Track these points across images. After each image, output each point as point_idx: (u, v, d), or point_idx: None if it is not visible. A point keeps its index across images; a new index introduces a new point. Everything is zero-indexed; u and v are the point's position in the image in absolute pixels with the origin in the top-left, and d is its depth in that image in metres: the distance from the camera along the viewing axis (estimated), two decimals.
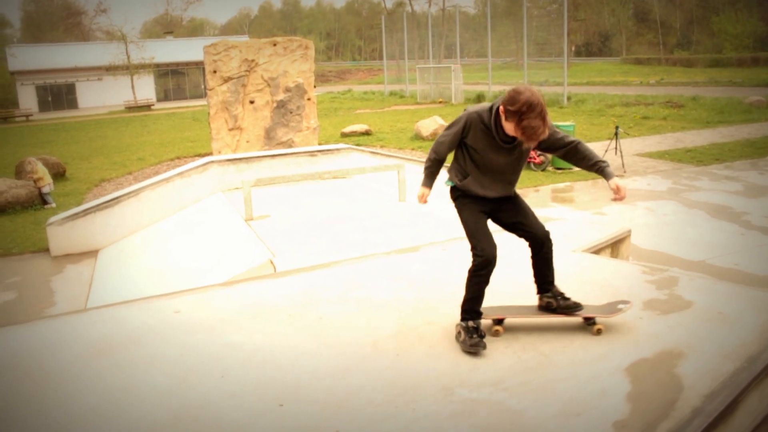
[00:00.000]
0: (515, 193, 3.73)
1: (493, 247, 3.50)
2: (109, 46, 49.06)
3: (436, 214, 7.41)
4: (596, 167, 3.52)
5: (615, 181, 3.49)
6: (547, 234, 3.66)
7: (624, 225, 6.36)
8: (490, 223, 3.66)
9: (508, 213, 3.67)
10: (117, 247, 8.33)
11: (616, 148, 13.55)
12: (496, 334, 3.67)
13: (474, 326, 3.54)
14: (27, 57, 50.02)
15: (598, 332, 3.61)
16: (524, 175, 12.65)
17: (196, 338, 3.85)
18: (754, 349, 3.30)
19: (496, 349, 3.50)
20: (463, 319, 3.59)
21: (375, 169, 8.63)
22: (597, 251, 5.50)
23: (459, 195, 3.67)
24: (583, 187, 11.51)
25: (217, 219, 8.00)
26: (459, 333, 3.58)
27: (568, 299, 3.71)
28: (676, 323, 3.71)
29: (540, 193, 11.15)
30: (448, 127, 3.57)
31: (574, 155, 3.53)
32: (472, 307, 3.58)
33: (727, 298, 4.07)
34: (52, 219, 8.54)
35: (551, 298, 3.73)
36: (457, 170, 3.64)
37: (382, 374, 3.28)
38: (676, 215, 9.17)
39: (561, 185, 11.59)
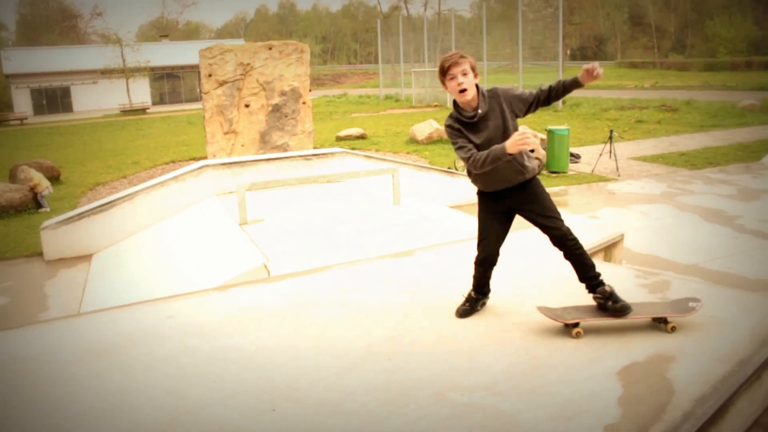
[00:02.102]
0: (535, 187, 3.76)
1: (493, 248, 3.85)
2: (104, 50, 49.06)
3: (431, 217, 7.42)
4: (563, 84, 3.54)
5: (580, 73, 3.45)
6: (565, 234, 3.71)
7: (617, 228, 6.39)
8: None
9: (530, 213, 3.77)
10: (111, 252, 8.31)
11: (610, 152, 13.59)
12: (578, 336, 3.66)
13: (474, 297, 4.02)
14: (22, 60, 49.97)
15: (672, 330, 3.62)
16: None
17: (190, 342, 3.85)
18: (746, 353, 3.32)
19: (489, 353, 3.51)
20: (473, 289, 4.03)
21: (370, 172, 8.63)
22: (590, 255, 5.51)
23: (478, 192, 3.89)
24: (578, 190, 11.54)
25: (211, 223, 7.99)
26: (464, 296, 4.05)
27: (618, 301, 3.71)
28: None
29: None
30: (454, 145, 3.71)
31: (550, 94, 3.58)
32: (476, 284, 4.01)
33: (720, 302, 4.09)
34: (46, 223, 8.52)
35: (601, 300, 3.75)
36: (469, 171, 3.79)
37: (375, 378, 3.29)
38: (669, 219, 9.19)
39: (555, 189, 11.62)
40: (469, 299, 4.04)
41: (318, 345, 3.75)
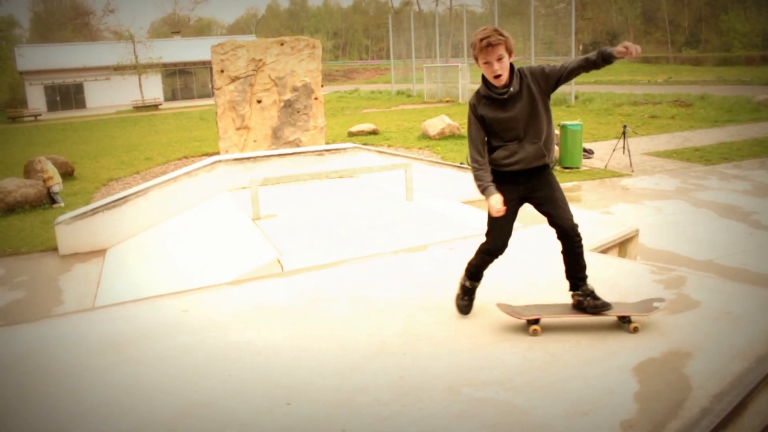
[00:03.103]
0: (549, 177, 3.72)
1: (502, 241, 3.74)
2: (116, 46, 49.32)
3: (444, 212, 7.40)
4: (595, 59, 3.42)
5: (618, 48, 3.34)
6: (573, 227, 3.65)
7: (632, 224, 6.34)
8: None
9: (540, 201, 3.70)
10: (124, 246, 8.36)
11: (624, 147, 13.51)
12: (534, 333, 3.65)
13: (469, 287, 3.93)
14: (35, 57, 50.31)
15: (635, 330, 3.59)
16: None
17: (204, 337, 3.86)
18: (763, 349, 3.29)
19: (503, 348, 3.49)
20: (465, 274, 3.94)
21: (382, 168, 8.62)
22: (605, 250, 5.49)
23: (493, 179, 3.71)
24: (591, 186, 11.48)
25: (224, 218, 8.01)
26: (459, 286, 3.96)
27: (598, 299, 3.69)
28: (684, 323, 3.70)
29: None
30: (469, 133, 3.71)
31: (578, 68, 3.49)
32: (474, 273, 3.91)
33: (736, 298, 4.05)
34: (61, 218, 8.58)
35: (581, 297, 3.72)
36: (488, 150, 3.72)
37: (388, 373, 3.28)
38: (684, 215, 9.12)
39: (569, 184, 11.55)
40: (466, 291, 3.94)
41: (331, 339, 3.75)
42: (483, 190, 3.62)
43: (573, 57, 25.98)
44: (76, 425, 2.93)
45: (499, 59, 3.44)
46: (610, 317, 3.71)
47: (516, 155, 3.59)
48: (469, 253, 3.87)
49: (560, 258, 3.76)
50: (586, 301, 3.69)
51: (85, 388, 3.27)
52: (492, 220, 3.71)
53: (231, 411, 2.98)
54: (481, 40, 3.42)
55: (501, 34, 3.42)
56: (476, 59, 3.51)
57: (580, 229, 3.68)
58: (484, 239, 3.83)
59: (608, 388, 2.99)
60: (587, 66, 3.45)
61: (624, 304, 3.78)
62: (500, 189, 3.61)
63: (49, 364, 3.60)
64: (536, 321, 3.69)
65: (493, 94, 3.53)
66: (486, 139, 3.68)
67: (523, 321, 3.71)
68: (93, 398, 3.16)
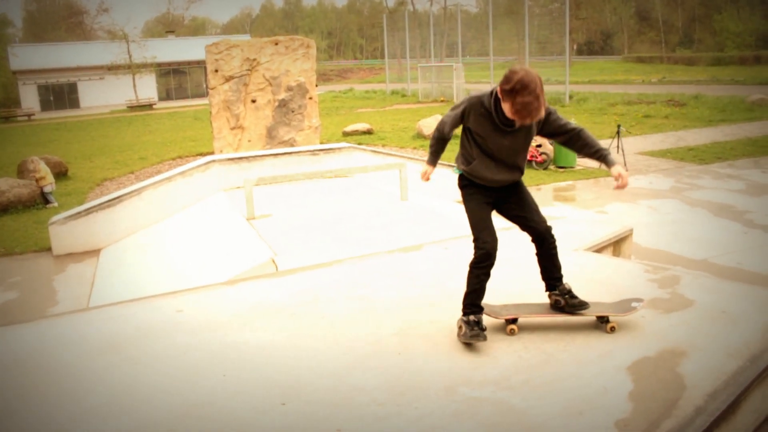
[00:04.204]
0: (521, 184, 3.72)
1: (495, 240, 3.51)
2: (110, 46, 49.08)
3: (439, 212, 7.40)
4: (598, 155, 3.48)
5: (617, 168, 3.42)
6: (548, 229, 3.65)
7: (626, 223, 6.36)
8: (496, 219, 3.67)
9: (513, 205, 3.68)
10: (119, 246, 8.34)
11: (618, 147, 13.54)
12: (511, 333, 3.66)
13: (475, 320, 3.54)
14: (29, 56, 50.07)
15: (612, 330, 3.61)
16: (526, 173, 12.61)
17: (199, 337, 3.85)
18: (757, 348, 3.30)
19: (499, 347, 3.50)
20: (464, 314, 3.59)
21: (377, 167, 8.62)
22: (599, 250, 5.50)
23: (466, 184, 3.68)
24: (585, 185, 11.51)
25: (219, 218, 8.00)
26: (460, 327, 3.58)
27: (575, 297, 3.70)
28: (678, 322, 3.71)
29: (542, 192, 11.14)
30: (452, 109, 3.61)
31: (576, 142, 3.52)
32: (473, 301, 3.58)
33: (730, 297, 4.07)
34: (55, 218, 8.55)
35: (558, 296, 3.73)
36: (464, 156, 3.65)
37: (384, 373, 3.28)
38: (678, 214, 9.15)
39: (563, 184, 11.59)
40: (471, 324, 3.53)
41: (327, 339, 3.74)
42: (428, 155, 3.80)
43: (567, 58, 26.07)
44: (76, 425, 2.92)
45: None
46: (588, 317, 3.72)
47: (496, 176, 3.57)
48: (465, 251, 3.78)
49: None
50: (563, 300, 3.70)
51: (84, 388, 3.26)
52: (476, 219, 3.56)
53: (228, 411, 2.98)
54: (525, 104, 3.16)
55: (542, 100, 3.21)
56: (505, 97, 3.24)
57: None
58: (473, 250, 3.56)
59: (603, 388, 3.00)
60: (584, 148, 3.51)
61: (602, 304, 3.79)
62: (477, 197, 3.60)
63: (48, 364, 3.59)
64: (514, 320, 3.70)
65: (497, 119, 3.40)
66: (468, 143, 3.60)
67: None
68: (92, 398, 3.15)
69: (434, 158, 3.80)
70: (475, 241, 3.55)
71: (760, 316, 3.73)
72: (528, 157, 13.39)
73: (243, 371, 3.38)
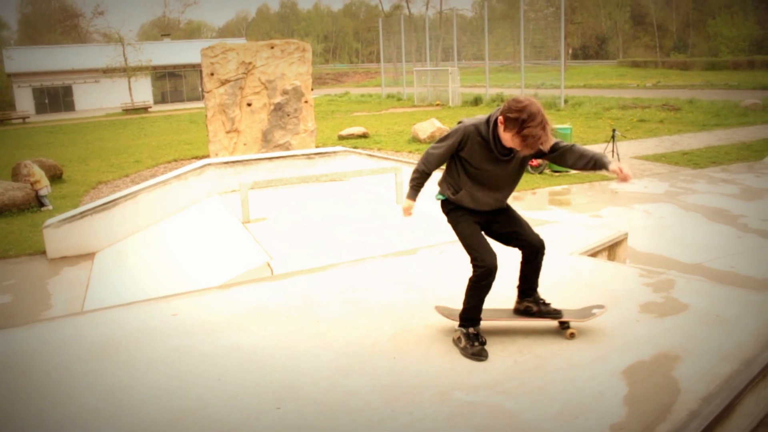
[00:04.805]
0: (507, 204, 3.69)
1: (494, 256, 3.45)
2: (106, 49, 49.07)
3: (433, 216, 7.41)
4: (593, 162, 3.42)
5: (614, 164, 3.37)
6: (543, 243, 3.63)
7: (621, 228, 6.38)
8: None
9: (502, 224, 3.63)
10: (114, 250, 8.32)
11: (613, 151, 13.58)
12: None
13: (474, 333, 3.52)
14: (24, 59, 49.98)
15: (571, 336, 3.63)
16: (521, 177, 12.65)
17: (194, 340, 3.84)
18: (751, 352, 3.31)
19: (493, 352, 3.50)
20: (461, 325, 3.58)
21: (372, 171, 8.63)
22: (594, 254, 5.51)
23: (451, 208, 3.61)
24: (580, 189, 11.53)
25: (214, 221, 7.99)
26: (459, 339, 3.56)
27: (548, 304, 3.70)
28: (673, 326, 3.72)
29: (537, 196, 11.16)
30: (442, 140, 3.48)
31: (569, 157, 3.46)
32: (472, 315, 3.57)
33: (724, 301, 4.08)
34: (49, 221, 8.53)
35: (532, 303, 3.72)
36: (449, 184, 3.56)
37: (379, 377, 3.28)
38: (673, 218, 9.18)
39: (558, 188, 11.61)
40: (472, 338, 3.52)
41: (322, 343, 3.74)
42: (409, 189, 3.60)
43: (562, 62, 26.15)
44: (69, 429, 2.91)
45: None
46: (549, 323, 3.72)
47: (479, 201, 3.52)
48: (461, 256, 3.72)
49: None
50: (536, 306, 3.70)
51: (73, 393, 3.25)
52: (471, 241, 3.50)
53: (222, 415, 2.97)
54: (533, 134, 3.14)
55: (549, 128, 3.20)
56: (509, 126, 3.19)
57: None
58: (471, 270, 3.49)
59: (598, 392, 3.01)
60: (578, 161, 3.44)
61: (564, 311, 3.77)
62: (467, 216, 3.54)
63: (37, 368, 3.57)
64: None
65: (494, 148, 3.34)
66: (456, 172, 3.53)
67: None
68: (85, 402, 3.14)
69: (416, 192, 3.60)
70: (473, 261, 3.49)
71: (753, 320, 3.74)
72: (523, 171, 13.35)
73: (238, 375, 3.37)
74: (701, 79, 41.92)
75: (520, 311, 3.77)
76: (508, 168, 3.44)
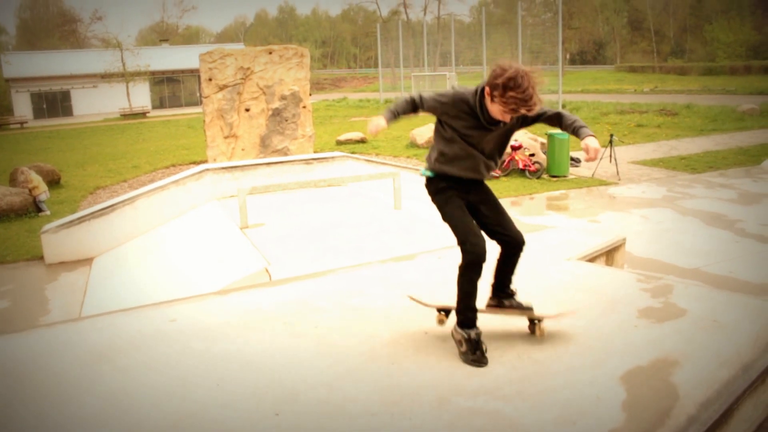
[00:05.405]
0: (491, 192, 3.64)
1: (483, 240, 3.37)
2: (104, 54, 49.10)
3: (432, 221, 7.41)
4: (572, 128, 3.39)
5: (587, 141, 3.31)
6: (524, 240, 3.59)
7: (619, 233, 6.38)
8: None
9: (488, 210, 3.57)
10: (112, 255, 8.31)
11: (610, 156, 13.60)
12: (440, 323, 3.71)
13: (476, 339, 3.46)
14: (22, 64, 50.01)
15: (540, 335, 3.66)
16: (519, 183, 12.69)
17: (192, 346, 3.84)
18: (749, 357, 3.32)
19: (492, 357, 3.49)
20: (460, 324, 3.53)
21: (370, 177, 8.63)
22: (592, 259, 5.52)
23: (436, 188, 3.56)
24: (578, 194, 11.55)
25: (212, 227, 7.99)
26: (460, 342, 3.51)
27: (520, 301, 3.71)
28: (671, 331, 3.72)
29: (535, 201, 11.17)
30: (440, 95, 3.40)
31: (554, 120, 3.44)
32: (468, 305, 3.49)
33: (722, 306, 4.09)
34: (47, 226, 8.52)
35: (506, 298, 3.72)
36: (435, 150, 3.51)
37: (377, 383, 3.28)
38: (670, 223, 9.19)
39: (556, 193, 11.63)
40: (473, 343, 3.45)
41: (320, 349, 3.74)
42: (387, 110, 3.42)
43: (560, 67, 26.22)
44: (68, 430, 2.90)
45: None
46: (520, 319, 3.75)
47: (466, 164, 3.46)
48: (458, 262, 3.61)
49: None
50: (509, 302, 3.71)
51: (72, 399, 3.24)
52: (458, 223, 3.42)
53: (220, 421, 2.96)
54: (517, 100, 3.09)
55: (536, 92, 3.14)
56: (494, 93, 3.14)
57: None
58: (461, 255, 3.41)
59: (596, 397, 3.01)
60: (560, 124, 3.43)
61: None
62: (454, 198, 3.48)
63: (35, 374, 3.56)
64: (447, 312, 3.72)
65: (481, 117, 3.31)
66: (444, 139, 3.47)
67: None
68: (82, 408, 3.13)
69: (393, 117, 3.42)
70: (462, 245, 3.39)
71: (751, 324, 3.74)
72: (521, 167, 13.46)
73: (236, 380, 3.36)
74: (698, 84, 42.01)
75: (493, 306, 3.74)
76: (495, 135, 3.41)
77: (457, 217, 3.45)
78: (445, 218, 3.52)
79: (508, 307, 3.72)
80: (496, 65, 3.18)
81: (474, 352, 3.44)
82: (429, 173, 3.56)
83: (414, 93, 3.47)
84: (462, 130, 3.39)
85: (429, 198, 3.65)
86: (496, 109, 3.21)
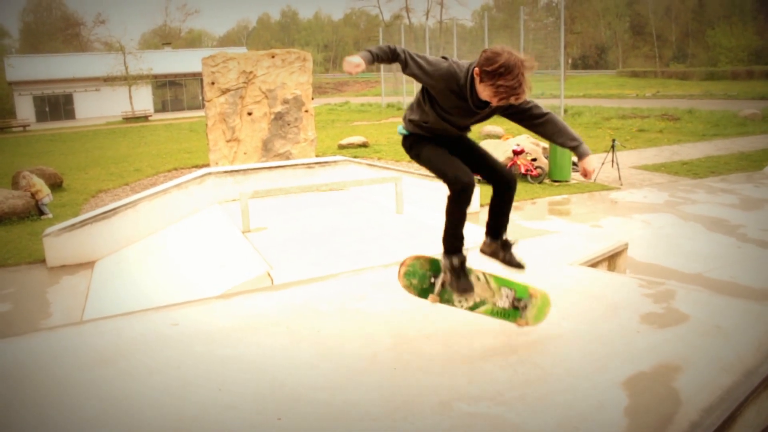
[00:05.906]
0: (468, 138, 3.61)
1: (468, 172, 3.33)
2: (107, 57, 49.26)
3: (434, 225, 7.42)
4: (563, 143, 3.36)
5: (588, 163, 3.34)
6: (513, 176, 3.53)
7: (621, 238, 6.38)
8: None
9: (467, 152, 3.52)
10: (114, 259, 8.31)
11: (612, 161, 13.60)
12: (433, 301, 3.76)
13: (459, 265, 3.46)
14: (25, 67, 50.10)
15: (525, 324, 3.64)
16: (521, 187, 12.68)
17: (194, 350, 3.84)
18: (751, 363, 3.31)
19: (494, 362, 3.49)
20: (446, 251, 3.49)
21: (372, 181, 8.65)
22: (594, 264, 5.51)
23: (412, 143, 3.55)
24: (580, 199, 11.54)
25: (214, 231, 7.99)
26: (444, 273, 3.51)
27: (514, 255, 3.64)
28: (673, 336, 3.72)
29: (537, 206, 11.17)
30: (429, 63, 3.26)
31: (544, 129, 3.37)
32: (454, 233, 3.47)
33: (724, 312, 4.08)
34: (49, 230, 8.53)
35: (499, 247, 3.66)
36: (416, 115, 3.47)
37: (379, 387, 3.28)
38: (672, 228, 9.19)
39: (558, 198, 11.63)
40: (457, 270, 3.47)
41: (322, 353, 3.73)
42: (368, 50, 3.24)
43: (562, 72, 26.23)
44: None
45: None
46: (504, 300, 3.69)
47: (442, 134, 3.45)
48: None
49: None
50: (504, 253, 3.65)
51: (74, 402, 3.24)
52: (439, 162, 3.40)
53: (222, 424, 2.96)
54: (508, 87, 3.03)
55: (524, 86, 3.07)
56: (485, 78, 3.08)
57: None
58: (448, 189, 3.39)
59: (598, 402, 3.00)
60: (554, 136, 3.38)
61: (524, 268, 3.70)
62: (426, 141, 3.46)
63: (37, 377, 3.56)
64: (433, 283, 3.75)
65: (470, 100, 3.24)
66: (425, 107, 3.41)
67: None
68: (84, 412, 3.13)
69: (373, 59, 3.23)
70: (445, 178, 3.35)
71: (753, 330, 3.74)
72: (523, 171, 13.46)
73: (236, 385, 3.36)
74: (700, 89, 42.05)
75: (488, 252, 3.70)
76: (477, 115, 3.37)
77: (435, 157, 3.45)
78: (424, 163, 3.50)
79: (501, 261, 3.64)
80: (489, 50, 3.12)
81: (458, 278, 3.44)
82: (405, 132, 3.56)
83: (398, 47, 3.29)
84: (446, 108, 3.33)
85: (408, 155, 3.65)
86: (483, 90, 3.15)
